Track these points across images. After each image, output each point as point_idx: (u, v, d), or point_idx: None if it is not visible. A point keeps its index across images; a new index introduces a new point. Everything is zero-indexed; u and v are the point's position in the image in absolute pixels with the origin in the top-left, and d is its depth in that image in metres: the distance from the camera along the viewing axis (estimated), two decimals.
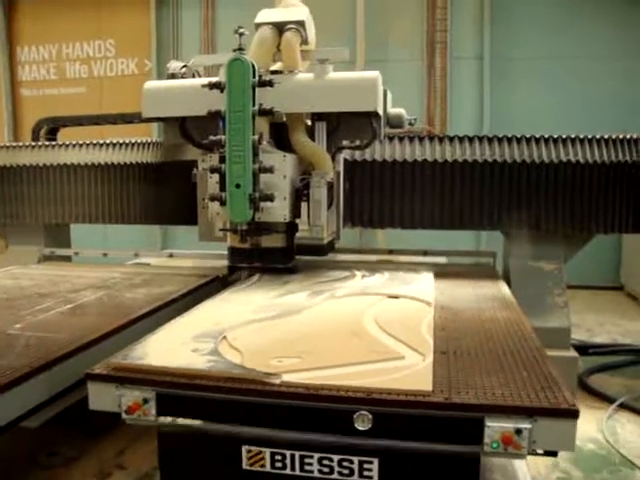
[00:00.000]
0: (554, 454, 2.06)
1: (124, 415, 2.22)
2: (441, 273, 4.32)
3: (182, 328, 2.84)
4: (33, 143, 5.77)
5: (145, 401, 2.19)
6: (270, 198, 3.65)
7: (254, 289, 3.73)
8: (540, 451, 1.99)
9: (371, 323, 2.89)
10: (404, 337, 2.62)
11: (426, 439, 2.00)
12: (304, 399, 2.07)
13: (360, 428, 2.02)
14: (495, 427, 1.94)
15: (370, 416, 2.01)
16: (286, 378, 2.15)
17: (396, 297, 3.47)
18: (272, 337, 2.68)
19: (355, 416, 2.02)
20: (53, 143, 5.70)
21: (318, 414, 2.06)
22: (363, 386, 2.08)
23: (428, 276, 4.17)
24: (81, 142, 5.46)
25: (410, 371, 2.24)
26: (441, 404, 2.01)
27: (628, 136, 4.57)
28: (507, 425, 1.93)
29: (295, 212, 3.93)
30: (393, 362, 2.34)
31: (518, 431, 1.92)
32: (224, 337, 2.62)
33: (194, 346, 2.50)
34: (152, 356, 2.41)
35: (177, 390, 2.18)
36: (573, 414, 1.96)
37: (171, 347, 2.52)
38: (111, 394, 2.24)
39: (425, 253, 5.06)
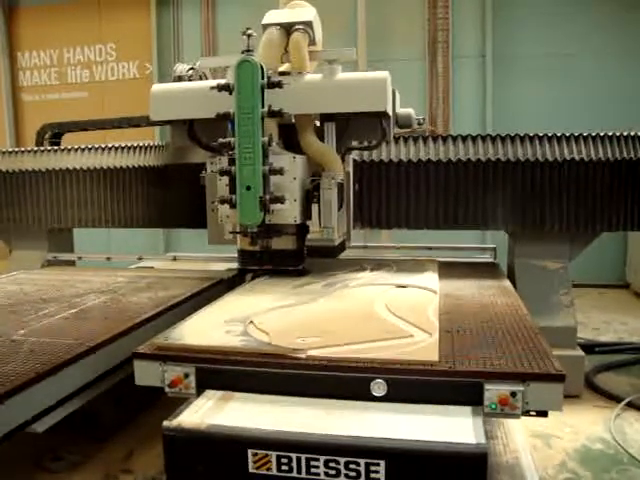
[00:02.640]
0: (544, 414, 2.30)
1: (167, 389, 2.49)
2: (445, 266, 4.56)
3: (212, 315, 3.13)
4: (36, 148, 5.77)
5: (186, 375, 2.47)
6: (280, 200, 3.64)
7: (272, 282, 3.89)
8: (533, 413, 2.27)
9: (382, 308, 3.15)
10: (412, 319, 2.89)
11: (433, 402, 2.27)
12: (327, 370, 2.37)
13: (376, 394, 2.30)
14: (493, 390, 2.23)
15: (384, 383, 2.30)
16: (311, 353, 2.44)
17: (404, 287, 3.72)
18: (294, 320, 2.96)
19: (372, 384, 2.30)
20: (56, 148, 5.70)
21: (339, 383, 2.35)
22: (378, 358, 2.38)
23: (433, 268, 4.37)
24: (84, 146, 5.47)
25: (418, 346, 2.53)
26: (446, 372, 2.31)
27: (633, 133, 4.55)
28: (503, 388, 2.23)
29: (306, 214, 3.91)
30: (403, 339, 2.61)
31: (513, 394, 2.22)
32: (251, 321, 2.89)
33: (226, 329, 2.81)
34: (190, 337, 2.72)
35: (215, 365, 2.47)
36: (560, 378, 2.25)
37: (205, 330, 2.83)
38: (155, 370, 2.52)
39: (429, 249, 5.26)
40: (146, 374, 2.56)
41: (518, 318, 3.09)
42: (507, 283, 4.10)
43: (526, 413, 2.26)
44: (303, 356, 2.43)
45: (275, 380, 2.41)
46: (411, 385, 2.31)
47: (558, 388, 2.24)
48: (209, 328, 2.85)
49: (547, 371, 2.29)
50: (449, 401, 2.27)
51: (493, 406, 2.22)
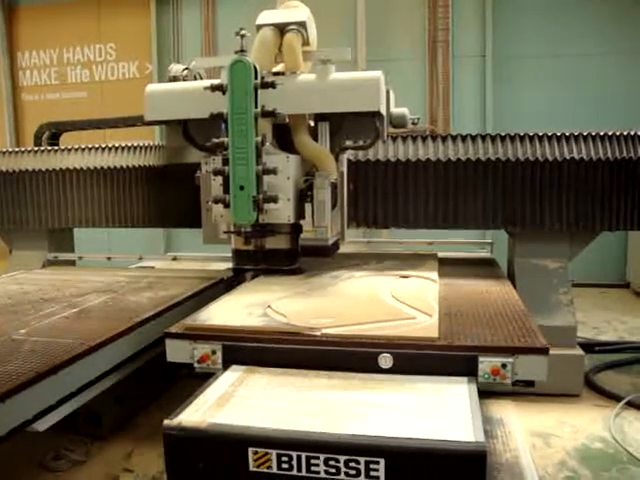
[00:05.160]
0: (532, 384, 2.61)
1: (196, 364, 2.76)
2: (444, 259, 4.86)
3: (232, 302, 3.40)
4: (35, 148, 5.77)
5: (213, 352, 2.74)
6: (274, 199, 3.64)
7: (281, 275, 4.03)
8: (521, 383, 2.56)
9: (387, 295, 3.45)
10: (415, 304, 3.19)
11: (434, 374, 2.53)
12: (340, 345, 2.66)
13: (383, 366, 2.57)
14: (486, 362, 2.51)
15: (391, 357, 2.57)
16: (325, 331, 2.74)
17: (407, 277, 4.00)
18: (308, 305, 3.28)
19: (379, 357, 2.57)
20: (55, 148, 5.70)
21: (351, 357, 2.63)
22: (385, 335, 2.69)
23: (433, 261, 4.64)
24: (83, 146, 5.47)
25: (420, 325, 2.84)
26: (445, 346, 2.62)
27: (632, 132, 4.55)
28: (495, 360, 2.51)
29: (299, 213, 3.92)
30: (407, 320, 2.92)
31: (504, 365, 2.51)
32: (269, 306, 3.18)
33: (247, 311, 3.12)
34: (215, 318, 3.03)
35: (239, 342, 2.76)
36: (545, 351, 2.55)
37: (229, 313, 3.14)
38: (185, 348, 2.80)
39: (430, 244, 5.43)
40: (177, 352, 2.82)
41: (510, 303, 3.38)
42: (501, 273, 4.44)
43: (515, 384, 2.53)
44: (318, 334, 2.72)
45: (293, 355, 2.68)
46: (414, 358, 2.58)
47: (543, 360, 2.54)
48: (232, 312, 3.15)
49: (533, 345, 2.59)
50: (448, 372, 2.53)
51: (486, 376, 2.51)
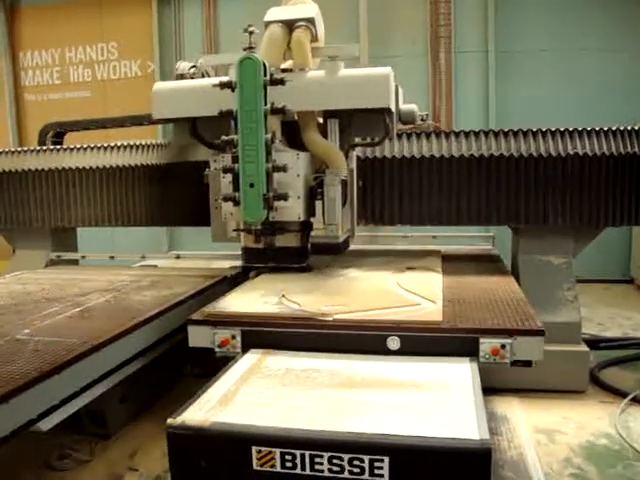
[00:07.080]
0: (529, 364, 2.76)
1: (216, 349, 2.95)
2: (448, 252, 5.12)
3: (247, 293, 3.55)
4: (39, 147, 5.77)
5: (233, 337, 2.93)
6: (284, 197, 3.63)
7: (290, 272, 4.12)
8: (519, 363, 2.74)
9: (394, 284, 3.64)
10: (420, 292, 3.37)
11: (438, 354, 2.73)
12: (351, 329, 2.87)
13: (392, 348, 2.77)
14: (486, 343, 2.72)
15: (398, 339, 2.77)
16: (336, 316, 2.95)
17: (412, 268, 4.18)
18: (319, 294, 3.43)
19: (388, 340, 2.78)
20: (59, 147, 5.70)
21: (361, 339, 2.83)
22: (393, 319, 2.89)
23: (437, 256, 4.81)
24: (86, 145, 5.47)
25: (426, 310, 3.04)
26: (448, 329, 2.82)
27: (637, 127, 4.52)
28: (495, 341, 2.72)
29: (309, 211, 3.90)
30: (413, 307, 3.10)
31: (503, 346, 2.71)
32: (283, 295, 3.34)
33: (263, 300, 3.31)
34: (234, 306, 3.22)
35: (257, 327, 2.96)
36: (541, 333, 2.74)
37: (245, 301, 3.33)
38: (206, 333, 2.98)
39: (434, 237, 5.57)
40: (198, 337, 3.00)
41: (510, 291, 3.57)
42: (502, 265, 4.68)
43: (514, 364, 2.72)
44: (330, 319, 2.92)
45: (307, 338, 2.88)
46: (420, 340, 2.78)
47: (539, 341, 2.72)
48: (248, 301, 3.33)
49: (530, 327, 2.78)
50: (451, 353, 2.74)
51: (487, 356, 2.71)
